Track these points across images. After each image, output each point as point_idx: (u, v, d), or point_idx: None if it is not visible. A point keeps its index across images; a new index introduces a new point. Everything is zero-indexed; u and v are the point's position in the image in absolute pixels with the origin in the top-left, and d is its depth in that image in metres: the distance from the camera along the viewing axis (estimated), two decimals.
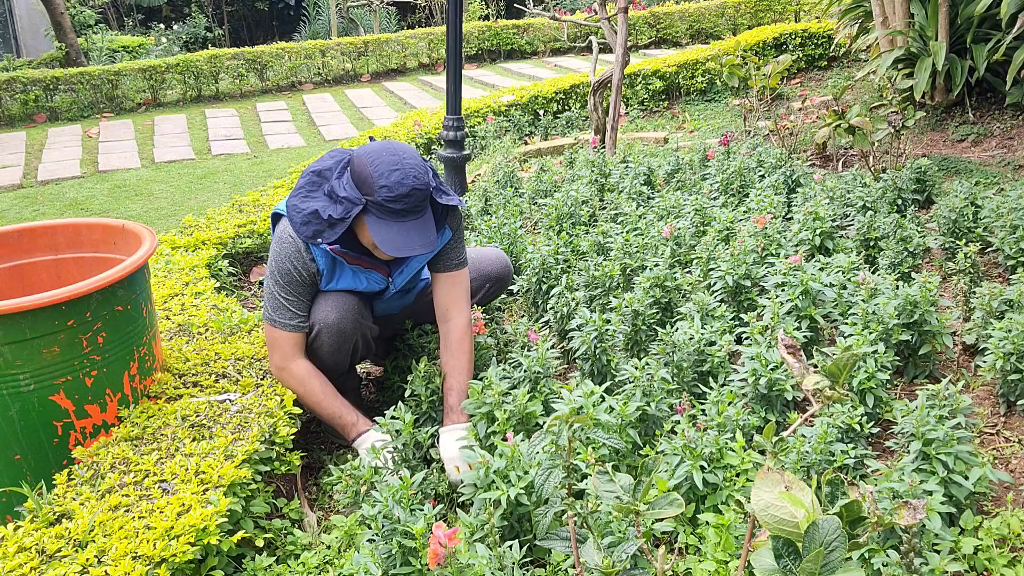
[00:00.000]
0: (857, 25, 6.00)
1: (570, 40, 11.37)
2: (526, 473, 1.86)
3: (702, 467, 1.93)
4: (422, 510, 1.77)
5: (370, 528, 1.87)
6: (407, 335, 2.76)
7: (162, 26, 14.60)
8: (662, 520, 1.78)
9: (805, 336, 2.49)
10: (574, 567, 1.51)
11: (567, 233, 3.68)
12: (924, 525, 1.72)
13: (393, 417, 2.17)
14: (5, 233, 2.44)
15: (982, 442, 2.24)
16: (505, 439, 2.00)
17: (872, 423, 2.18)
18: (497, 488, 1.85)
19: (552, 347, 2.73)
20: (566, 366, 2.87)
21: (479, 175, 5.33)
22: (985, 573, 1.76)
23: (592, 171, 4.42)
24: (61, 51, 10.61)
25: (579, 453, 1.91)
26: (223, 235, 3.66)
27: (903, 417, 1.97)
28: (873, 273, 2.95)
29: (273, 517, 2.12)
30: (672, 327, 2.59)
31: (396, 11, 14.80)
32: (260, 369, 2.44)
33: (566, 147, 5.68)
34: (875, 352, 2.29)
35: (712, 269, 2.97)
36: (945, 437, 1.85)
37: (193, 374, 2.39)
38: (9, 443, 2.00)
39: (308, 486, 2.36)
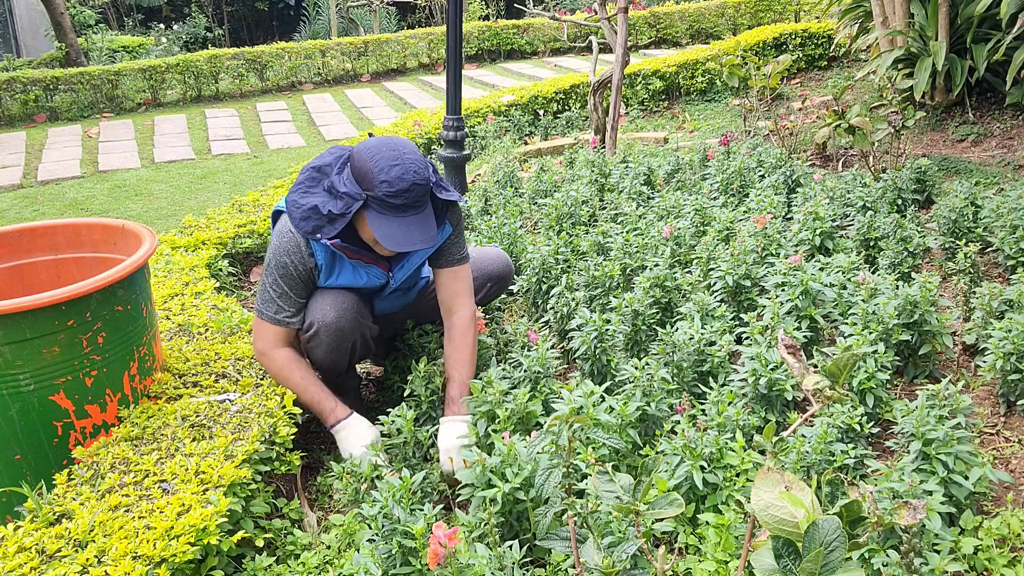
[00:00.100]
0: (857, 25, 6.00)
1: (570, 40, 11.37)
2: (522, 469, 1.86)
3: (702, 467, 1.93)
4: (422, 510, 1.77)
5: (370, 528, 1.87)
6: (407, 335, 2.77)
7: (162, 26, 14.60)
8: (662, 520, 1.78)
9: (805, 336, 2.49)
10: (574, 567, 1.51)
11: (567, 233, 3.68)
12: (924, 525, 1.72)
13: (396, 416, 2.17)
14: (5, 233, 2.44)
15: (982, 442, 2.24)
16: (503, 438, 2.01)
17: (872, 423, 2.18)
18: (494, 486, 1.85)
19: (552, 347, 2.73)
20: (566, 366, 2.87)
21: (479, 175, 5.33)
22: (985, 573, 1.76)
23: (592, 171, 4.42)
24: (61, 51, 10.61)
25: (579, 453, 1.91)
26: (223, 235, 3.66)
27: (903, 417, 1.97)
28: (873, 273, 2.95)
29: (273, 517, 2.11)
30: (672, 327, 2.59)
31: (396, 11, 14.80)
32: (260, 369, 2.44)
33: (566, 147, 5.68)
34: (875, 352, 2.29)
35: (712, 269, 2.97)
36: (945, 437, 1.85)
37: (193, 374, 2.39)
38: (9, 443, 2.00)
39: (308, 486, 2.36)
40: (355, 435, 2.27)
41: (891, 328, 2.43)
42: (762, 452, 1.99)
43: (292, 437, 2.18)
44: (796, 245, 3.23)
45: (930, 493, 1.77)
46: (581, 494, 1.90)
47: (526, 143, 6.40)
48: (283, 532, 2.05)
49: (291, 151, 7.34)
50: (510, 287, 3.13)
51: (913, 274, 2.86)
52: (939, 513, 1.73)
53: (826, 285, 2.66)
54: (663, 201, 3.76)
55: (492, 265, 2.82)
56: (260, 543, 1.94)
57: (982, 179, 4.27)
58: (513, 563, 1.69)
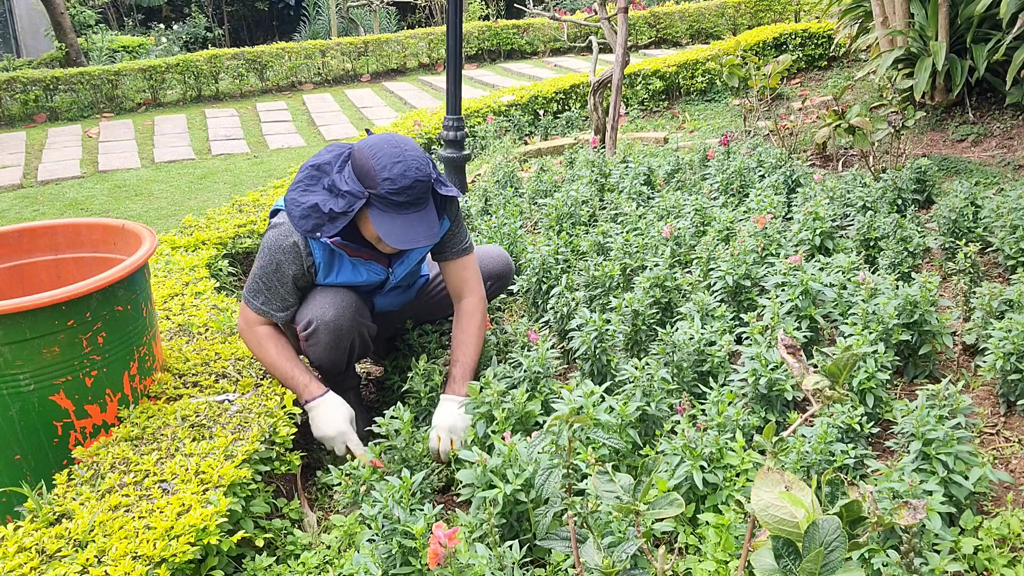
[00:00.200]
0: (857, 25, 6.00)
1: (570, 40, 11.37)
2: (523, 470, 1.86)
3: (702, 467, 1.93)
4: (422, 510, 1.77)
5: (370, 528, 1.87)
6: (407, 335, 2.77)
7: (162, 26, 14.61)
8: (662, 520, 1.78)
9: (805, 336, 2.49)
10: (574, 567, 1.51)
11: (567, 233, 3.68)
12: (924, 525, 1.72)
13: (393, 417, 2.17)
14: (5, 233, 2.44)
15: (982, 442, 2.24)
16: (503, 439, 2.01)
17: (872, 423, 2.18)
18: (495, 486, 1.85)
19: (552, 347, 2.73)
20: (566, 366, 2.87)
21: (479, 175, 5.33)
22: (985, 573, 1.76)
23: (592, 171, 4.42)
24: (61, 51, 10.61)
25: (579, 453, 1.91)
26: (223, 235, 3.66)
27: (903, 417, 1.97)
28: (873, 273, 2.95)
29: (273, 517, 2.11)
30: (672, 327, 2.59)
31: (396, 11, 14.80)
32: (260, 369, 2.44)
33: (566, 147, 5.68)
34: (875, 352, 2.29)
35: (712, 269, 2.97)
36: (945, 437, 1.85)
37: (193, 374, 2.39)
38: (9, 443, 2.00)
39: (308, 486, 2.36)
40: (328, 415, 2.27)
41: (891, 328, 2.43)
42: (762, 452, 1.99)
43: (292, 437, 2.18)
44: (796, 245, 3.22)
45: (930, 493, 1.77)
46: (581, 494, 1.90)
47: (526, 143, 6.40)
48: (283, 532, 2.05)
49: (291, 151, 7.34)
50: (510, 287, 3.13)
51: (913, 274, 2.86)
52: (939, 513, 1.73)
53: (826, 285, 2.66)
54: (663, 201, 3.76)
55: (493, 263, 2.83)
56: (260, 543, 1.94)
57: (982, 179, 4.27)
58: (513, 563, 1.69)
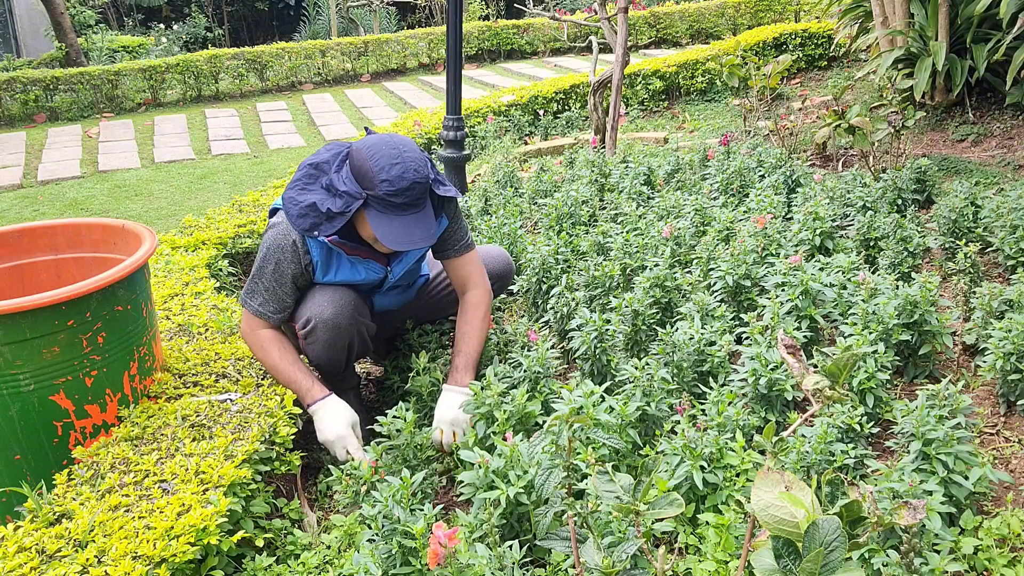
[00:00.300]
0: (857, 25, 6.00)
1: (570, 40, 11.37)
2: (525, 472, 1.86)
3: (702, 467, 1.93)
4: (422, 510, 1.77)
5: (370, 528, 1.87)
6: (407, 335, 2.77)
7: (162, 26, 14.60)
8: (662, 520, 1.78)
9: (805, 336, 2.49)
10: (574, 567, 1.51)
11: (567, 233, 3.68)
12: (924, 525, 1.72)
13: (395, 416, 2.17)
14: (5, 233, 2.44)
15: (982, 442, 2.24)
16: (504, 439, 2.01)
17: (872, 423, 2.18)
18: (496, 488, 1.85)
19: (552, 347, 2.73)
20: (566, 366, 2.87)
21: (479, 175, 5.33)
22: (985, 573, 1.76)
23: (592, 171, 4.42)
24: (61, 51, 10.61)
25: (579, 453, 1.91)
26: (223, 235, 3.66)
27: (903, 417, 1.97)
28: (873, 273, 2.95)
29: (273, 517, 2.11)
30: (672, 327, 2.59)
31: (396, 11, 14.80)
32: (260, 369, 2.44)
33: (566, 147, 5.68)
34: (875, 352, 2.29)
35: (712, 269, 2.97)
36: (945, 437, 1.85)
37: (193, 374, 2.39)
38: (9, 443, 2.00)
39: (308, 486, 2.36)
40: (331, 418, 2.26)
41: (891, 328, 2.43)
42: (762, 452, 1.99)
43: (292, 437, 2.18)
44: (796, 245, 3.22)
45: (930, 493, 1.77)
46: (581, 494, 1.90)
47: (526, 143, 6.40)
48: (283, 532, 2.05)
49: (291, 151, 7.34)
50: (510, 287, 3.13)
51: (913, 274, 2.86)
52: (939, 513, 1.73)
53: (826, 285, 2.66)
54: (663, 201, 3.76)
55: (493, 263, 2.82)
56: (260, 543, 1.94)
57: (982, 179, 4.27)
58: (513, 563, 1.69)
